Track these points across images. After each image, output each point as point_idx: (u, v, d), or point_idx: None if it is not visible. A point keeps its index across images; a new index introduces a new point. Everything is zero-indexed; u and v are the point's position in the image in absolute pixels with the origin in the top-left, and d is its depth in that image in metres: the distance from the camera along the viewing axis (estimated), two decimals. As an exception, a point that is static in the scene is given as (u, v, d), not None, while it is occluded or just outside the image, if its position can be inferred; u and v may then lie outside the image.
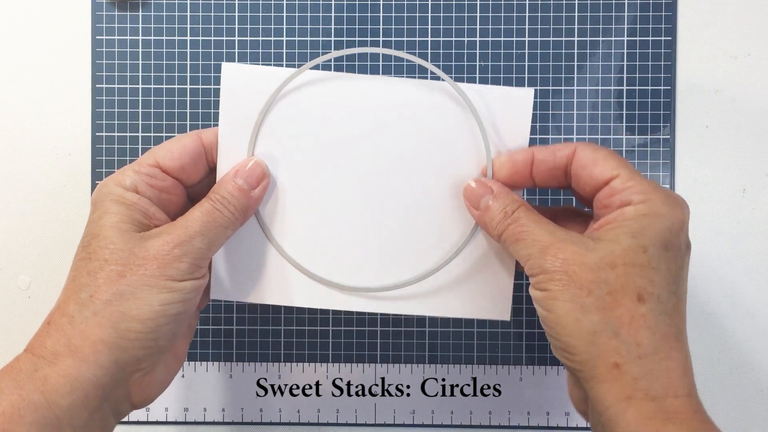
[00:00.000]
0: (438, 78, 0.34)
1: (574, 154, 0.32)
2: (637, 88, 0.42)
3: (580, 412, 0.32)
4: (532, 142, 0.42)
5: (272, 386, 0.42)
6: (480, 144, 0.34)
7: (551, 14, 0.42)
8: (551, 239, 0.30)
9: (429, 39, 0.42)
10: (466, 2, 0.42)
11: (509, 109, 0.34)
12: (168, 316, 0.30)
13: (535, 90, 0.42)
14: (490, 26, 0.42)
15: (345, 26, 0.42)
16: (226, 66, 0.34)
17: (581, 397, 0.31)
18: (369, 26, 0.42)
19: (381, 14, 0.42)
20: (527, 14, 0.42)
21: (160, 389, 0.33)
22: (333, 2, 0.42)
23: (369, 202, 0.35)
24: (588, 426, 0.34)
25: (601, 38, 0.42)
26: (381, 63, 0.42)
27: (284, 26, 0.42)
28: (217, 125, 0.34)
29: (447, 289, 0.35)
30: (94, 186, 0.42)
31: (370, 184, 0.35)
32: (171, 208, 0.34)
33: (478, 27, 0.42)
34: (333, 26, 0.42)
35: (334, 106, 0.35)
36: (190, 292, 0.31)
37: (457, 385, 0.42)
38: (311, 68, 0.34)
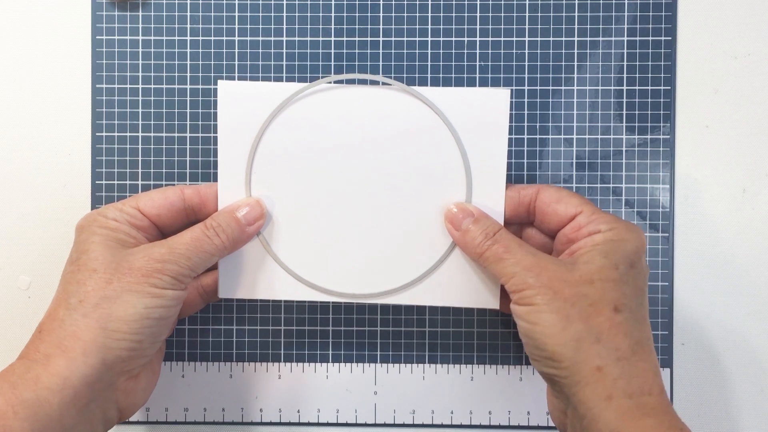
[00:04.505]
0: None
1: (538, 193, 0.36)
2: (637, 88, 0.42)
3: (560, 426, 0.35)
4: (533, 142, 0.42)
5: (272, 386, 0.42)
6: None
7: (551, 14, 0.42)
8: (534, 259, 0.33)
9: (429, 39, 0.42)
10: (466, 2, 0.42)
11: (486, 111, 0.36)
12: (151, 319, 0.33)
13: (534, 90, 0.42)
14: (490, 26, 0.42)
15: (345, 26, 0.42)
16: (222, 84, 0.37)
17: (561, 409, 0.34)
18: (369, 26, 0.42)
19: (381, 14, 0.42)
20: (527, 14, 0.42)
21: (144, 398, 0.36)
22: (333, 2, 0.42)
23: (359, 211, 0.37)
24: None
25: (600, 38, 0.42)
26: (381, 63, 0.42)
27: (284, 26, 0.42)
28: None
29: (439, 281, 0.37)
30: (94, 186, 0.42)
31: (360, 193, 0.37)
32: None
33: (478, 27, 0.42)
34: (333, 26, 0.42)
35: (326, 117, 0.37)
36: (172, 299, 0.33)
37: (457, 385, 0.42)
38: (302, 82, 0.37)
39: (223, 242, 0.35)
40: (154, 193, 0.36)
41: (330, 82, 0.37)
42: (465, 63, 0.42)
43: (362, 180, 0.37)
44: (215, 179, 0.40)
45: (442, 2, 0.42)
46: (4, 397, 0.30)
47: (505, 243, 0.34)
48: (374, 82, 0.38)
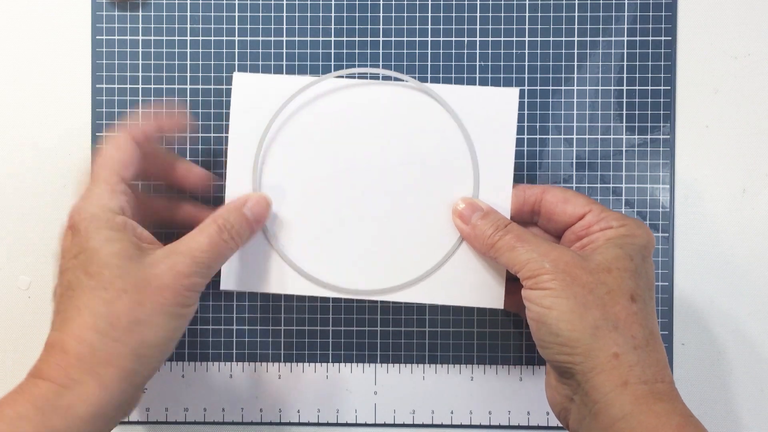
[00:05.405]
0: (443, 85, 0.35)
1: (543, 193, 0.36)
2: (637, 88, 0.42)
3: (560, 412, 0.35)
4: (533, 142, 0.42)
5: (272, 386, 0.42)
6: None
7: (551, 14, 0.42)
8: (550, 247, 0.33)
9: (429, 39, 0.42)
10: (466, 2, 0.42)
11: (495, 109, 0.37)
12: (175, 339, 0.33)
13: (534, 90, 0.42)
14: (490, 26, 0.42)
15: (345, 26, 0.42)
16: (237, 76, 0.37)
17: (567, 395, 0.34)
18: (369, 26, 0.42)
19: (381, 14, 0.42)
20: (527, 14, 0.42)
21: (140, 398, 0.36)
22: (333, 2, 0.42)
23: (364, 206, 0.37)
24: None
25: (600, 38, 0.42)
26: (382, 62, 0.42)
27: (284, 26, 0.42)
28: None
29: (444, 279, 0.37)
30: (94, 186, 0.42)
31: (366, 189, 0.37)
32: (146, 221, 0.36)
33: (478, 27, 0.42)
34: (333, 26, 0.42)
35: (335, 112, 0.37)
36: (192, 312, 0.34)
37: (457, 385, 0.42)
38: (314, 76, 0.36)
39: (237, 245, 0.35)
40: (114, 153, 0.34)
41: (342, 76, 0.37)
42: (465, 63, 0.42)
43: (369, 175, 0.37)
44: (215, 179, 0.40)
45: (442, 2, 0.42)
46: (32, 425, 0.29)
47: (517, 233, 0.34)
48: (386, 78, 0.38)
